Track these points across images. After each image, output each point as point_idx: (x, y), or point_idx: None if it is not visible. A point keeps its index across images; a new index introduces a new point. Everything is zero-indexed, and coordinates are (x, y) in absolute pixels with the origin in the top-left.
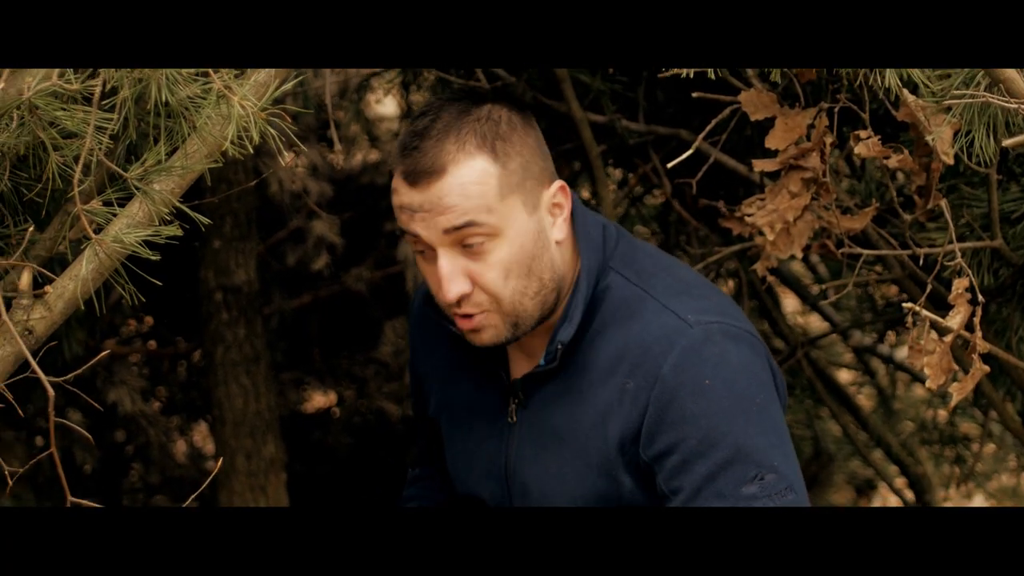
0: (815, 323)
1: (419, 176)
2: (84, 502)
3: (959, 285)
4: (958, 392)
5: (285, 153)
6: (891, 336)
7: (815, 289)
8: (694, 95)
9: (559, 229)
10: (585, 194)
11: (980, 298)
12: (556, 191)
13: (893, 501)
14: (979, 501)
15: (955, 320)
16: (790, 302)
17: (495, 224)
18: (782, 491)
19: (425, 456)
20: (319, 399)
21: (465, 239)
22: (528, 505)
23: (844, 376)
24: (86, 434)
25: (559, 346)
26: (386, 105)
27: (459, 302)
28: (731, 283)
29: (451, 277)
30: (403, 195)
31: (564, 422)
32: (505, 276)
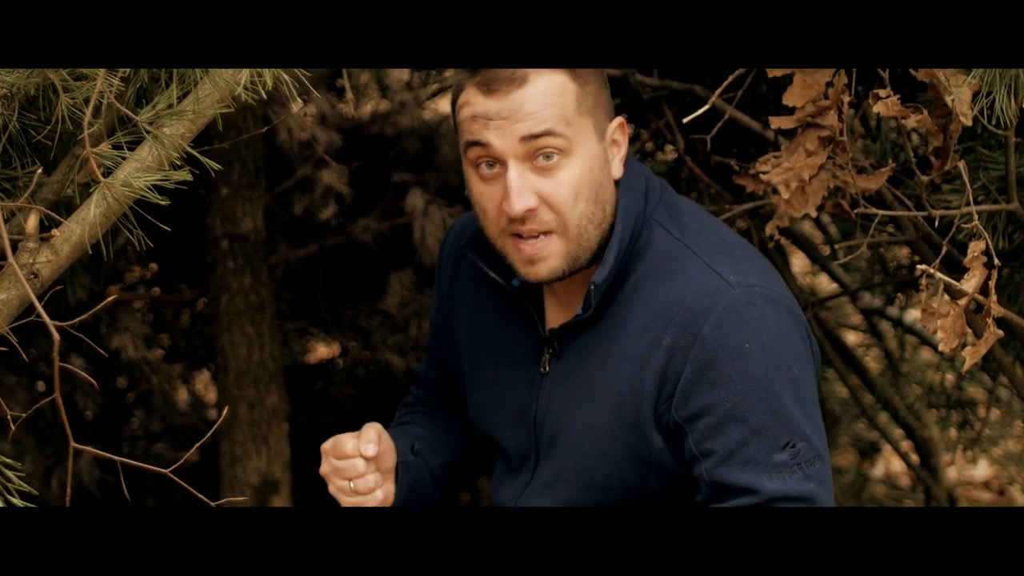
0: (824, 284)
1: (500, 83)
2: (88, 448)
3: (975, 248)
4: (971, 356)
5: (298, 99)
6: (900, 299)
7: (825, 250)
8: None
9: (616, 167)
10: None
11: (996, 261)
12: (617, 127)
13: (897, 464)
14: (983, 467)
15: (970, 283)
16: (799, 262)
17: (570, 138)
18: (811, 460)
19: (429, 385)
20: (323, 350)
21: (541, 150)
22: (553, 456)
23: (852, 338)
24: (90, 379)
25: (593, 287)
26: None
27: (524, 220)
28: None
29: (520, 190)
30: (477, 105)
31: (598, 374)
32: (575, 197)
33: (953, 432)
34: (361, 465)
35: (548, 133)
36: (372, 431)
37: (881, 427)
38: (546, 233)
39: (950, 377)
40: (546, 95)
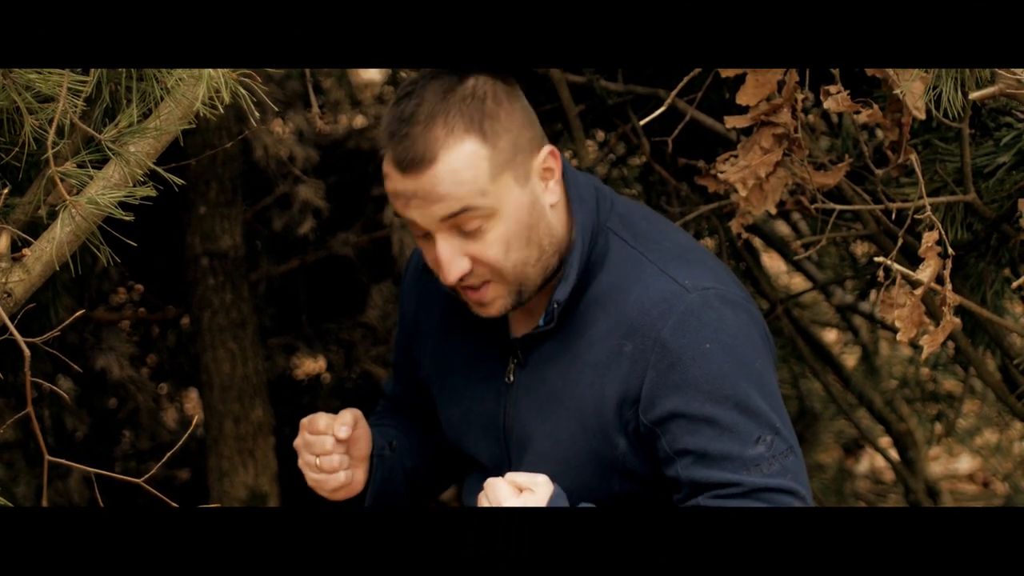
0: (800, 283)
1: (410, 164)
2: (62, 461)
3: (929, 239)
4: (929, 344)
5: (257, 115)
6: (872, 294)
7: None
8: None
9: (552, 193)
10: (566, 154)
11: (950, 251)
12: (546, 156)
13: (878, 459)
14: (965, 459)
15: (925, 273)
16: (776, 264)
17: (490, 205)
18: (784, 452)
19: (396, 401)
20: (308, 364)
21: (462, 224)
22: (524, 464)
23: (828, 336)
24: (63, 393)
25: (555, 305)
26: (370, 70)
27: (461, 279)
28: (710, 241)
29: (450, 260)
30: (396, 182)
31: (561, 383)
32: (506, 251)
33: (930, 426)
34: (329, 443)
35: (464, 210)
36: (349, 415)
37: (858, 423)
38: (486, 282)
39: (926, 371)
40: (457, 172)
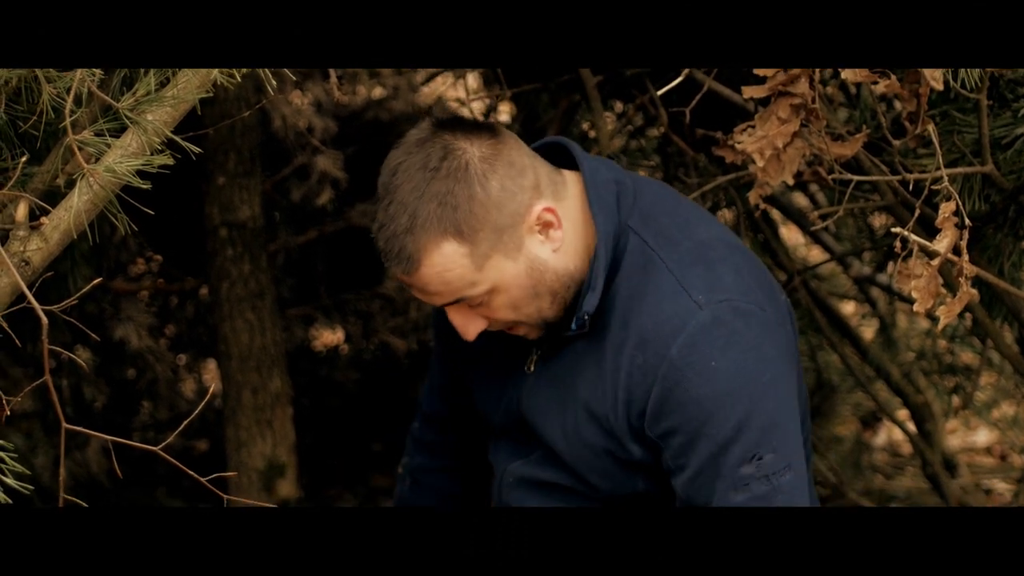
0: (817, 255)
1: (396, 269)
2: (80, 429)
3: (946, 209)
4: (945, 315)
5: (274, 84)
6: (890, 266)
7: (816, 220)
8: None
9: (554, 240)
10: (584, 126)
11: (967, 222)
12: (539, 213)
13: (896, 432)
14: (982, 431)
15: (942, 244)
16: (794, 235)
17: (483, 289)
18: (780, 471)
19: (436, 400)
20: (327, 335)
21: (465, 303)
22: (543, 446)
23: (846, 308)
24: (81, 362)
25: (586, 316)
26: None
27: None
28: (728, 214)
29: (465, 325)
30: (394, 273)
31: (573, 382)
32: (515, 310)
33: (948, 398)
34: None
35: (459, 300)
36: None
37: (876, 395)
38: (508, 327)
39: (943, 343)
40: (441, 274)
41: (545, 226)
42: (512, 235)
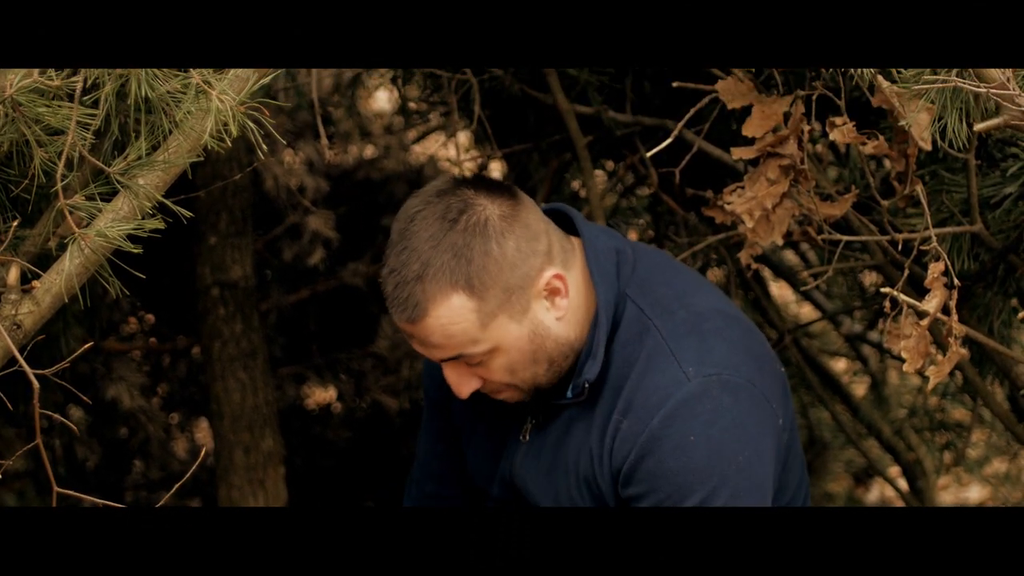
0: (809, 313)
1: (402, 317)
2: (71, 492)
3: (935, 269)
4: (935, 375)
5: (265, 148)
6: (881, 323)
7: (804, 277)
8: (674, 84)
9: (559, 308)
10: (575, 185)
11: (956, 282)
12: (549, 280)
13: (888, 489)
14: (974, 488)
15: (931, 304)
16: (785, 293)
17: (484, 348)
18: None
19: (430, 468)
20: (319, 394)
21: (464, 360)
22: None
23: (838, 365)
24: (71, 425)
25: (586, 384)
26: (379, 100)
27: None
28: (719, 272)
29: (459, 383)
30: (398, 321)
31: (572, 447)
32: (511, 374)
33: (939, 455)
34: None
35: (459, 356)
36: None
37: (867, 452)
38: (499, 391)
39: (935, 400)
40: (446, 327)
41: (552, 293)
42: (520, 297)
